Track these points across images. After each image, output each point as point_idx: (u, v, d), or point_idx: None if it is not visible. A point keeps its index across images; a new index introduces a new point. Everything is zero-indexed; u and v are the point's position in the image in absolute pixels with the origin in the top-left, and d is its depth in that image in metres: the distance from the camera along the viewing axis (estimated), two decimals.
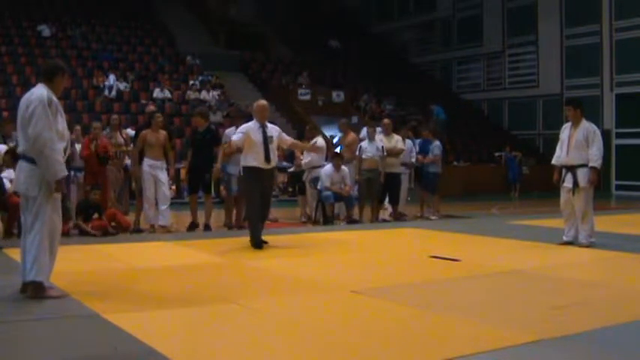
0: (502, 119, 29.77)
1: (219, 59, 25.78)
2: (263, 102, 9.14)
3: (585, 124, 8.77)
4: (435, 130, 14.18)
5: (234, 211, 11.31)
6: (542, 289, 6.23)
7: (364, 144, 12.59)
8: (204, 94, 21.89)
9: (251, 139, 8.58)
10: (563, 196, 8.92)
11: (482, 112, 30.17)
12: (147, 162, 10.40)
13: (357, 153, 12.50)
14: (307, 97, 24.14)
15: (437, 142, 13.41)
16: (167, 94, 21.69)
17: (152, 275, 6.74)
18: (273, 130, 8.88)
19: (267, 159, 8.63)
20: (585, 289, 6.19)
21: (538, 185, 23.12)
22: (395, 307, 5.37)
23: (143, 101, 21.27)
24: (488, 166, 23.80)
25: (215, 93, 22.31)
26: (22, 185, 5.56)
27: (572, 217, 8.87)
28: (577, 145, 8.68)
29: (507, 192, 21.86)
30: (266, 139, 8.64)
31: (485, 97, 30.36)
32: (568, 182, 8.78)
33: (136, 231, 10.40)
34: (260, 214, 8.77)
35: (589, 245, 8.67)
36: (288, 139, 9.44)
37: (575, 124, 8.81)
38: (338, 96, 25.16)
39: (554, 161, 9.13)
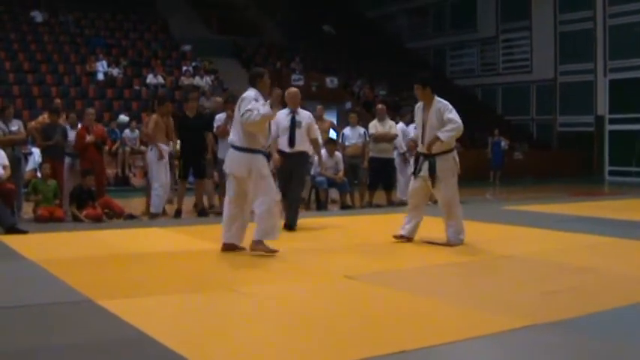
0: (496, 105, 29.80)
1: (212, 44, 25.69)
2: (294, 89, 9.32)
3: (437, 105, 7.55)
4: None
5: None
6: (534, 274, 6.26)
7: (346, 130, 12.48)
8: (197, 80, 21.82)
9: (278, 124, 8.75)
10: (413, 184, 7.90)
11: (475, 97, 30.18)
12: (161, 147, 10.31)
13: (340, 141, 12.41)
14: (300, 83, 24.07)
15: None
16: (160, 79, 21.62)
17: (146, 262, 6.74)
18: (304, 116, 9.05)
19: (291, 143, 8.91)
20: (577, 274, 6.21)
21: (531, 171, 23.20)
22: (388, 293, 5.40)
23: (136, 87, 21.21)
24: (480, 152, 23.83)
25: (208, 78, 22.23)
26: (236, 169, 6.89)
27: (417, 211, 7.87)
28: (432, 130, 7.50)
29: (488, 178, 21.58)
30: (293, 125, 8.91)
31: (478, 82, 30.38)
32: (424, 171, 7.67)
33: (128, 217, 10.37)
34: (287, 199, 8.92)
35: (458, 243, 7.58)
36: (313, 134, 9.13)
37: (427, 105, 7.63)
38: (331, 81, 25.14)
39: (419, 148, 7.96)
